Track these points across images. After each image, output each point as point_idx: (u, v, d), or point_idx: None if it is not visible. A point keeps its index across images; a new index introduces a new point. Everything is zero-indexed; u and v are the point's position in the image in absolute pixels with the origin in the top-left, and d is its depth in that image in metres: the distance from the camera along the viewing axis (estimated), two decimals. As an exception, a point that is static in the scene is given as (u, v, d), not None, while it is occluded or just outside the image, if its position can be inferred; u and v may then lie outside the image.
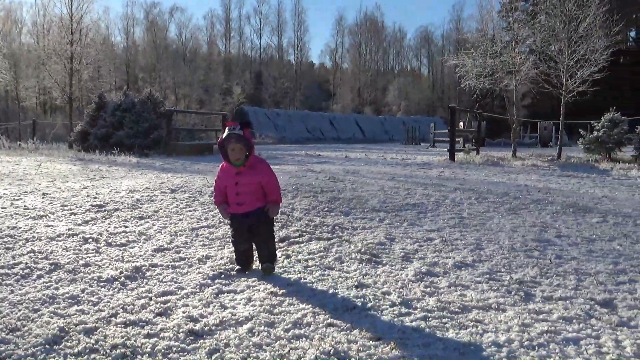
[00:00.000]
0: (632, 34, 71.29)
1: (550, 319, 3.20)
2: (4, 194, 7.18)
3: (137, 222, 5.65)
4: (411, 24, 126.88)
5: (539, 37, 18.35)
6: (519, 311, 3.31)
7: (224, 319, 3.11)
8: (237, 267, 4.09)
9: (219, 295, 3.53)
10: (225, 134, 3.75)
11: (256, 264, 4.16)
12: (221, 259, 4.39)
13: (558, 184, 10.38)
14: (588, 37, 16.94)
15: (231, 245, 4.28)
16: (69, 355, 2.61)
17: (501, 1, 22.61)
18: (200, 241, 4.98)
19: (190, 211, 6.23)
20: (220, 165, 4.01)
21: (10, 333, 2.85)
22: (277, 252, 4.30)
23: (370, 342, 2.83)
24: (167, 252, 4.58)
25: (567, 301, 3.52)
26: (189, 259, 4.38)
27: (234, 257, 4.19)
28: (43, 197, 6.95)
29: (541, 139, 37.19)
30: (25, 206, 6.32)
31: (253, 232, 3.99)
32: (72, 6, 29.46)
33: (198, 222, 5.72)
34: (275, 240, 4.33)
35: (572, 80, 17.12)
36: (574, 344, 2.86)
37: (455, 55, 21.41)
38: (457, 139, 19.37)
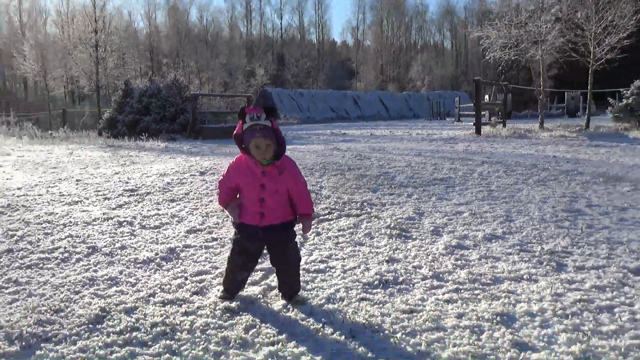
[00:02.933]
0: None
1: (582, 288, 3.19)
2: (40, 181, 7.33)
3: (169, 205, 5.70)
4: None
5: (565, 4, 17.95)
6: (551, 281, 3.30)
7: (257, 295, 3.16)
8: (224, 294, 3.13)
9: (253, 274, 3.54)
10: (246, 125, 2.83)
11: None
12: (253, 238, 4.41)
13: (587, 154, 10.22)
14: (616, 2, 16.52)
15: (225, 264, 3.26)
16: (112, 334, 2.69)
17: (525, -31, 22.05)
18: (231, 221, 5.00)
19: (220, 193, 6.28)
20: (234, 160, 3.03)
21: (55, 314, 2.94)
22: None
23: (404, 314, 2.86)
24: (199, 233, 4.63)
25: (600, 270, 3.50)
26: (221, 239, 4.42)
27: (223, 280, 3.19)
28: (77, 184, 7.07)
29: (568, 109, 36.63)
30: (60, 193, 6.45)
31: (274, 255, 3.09)
32: (94, -6, 29.66)
33: (228, 203, 5.76)
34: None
35: (600, 48, 16.73)
36: (608, 311, 2.86)
37: (479, 27, 21.04)
38: (482, 113, 19.14)
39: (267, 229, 2.94)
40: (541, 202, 5.62)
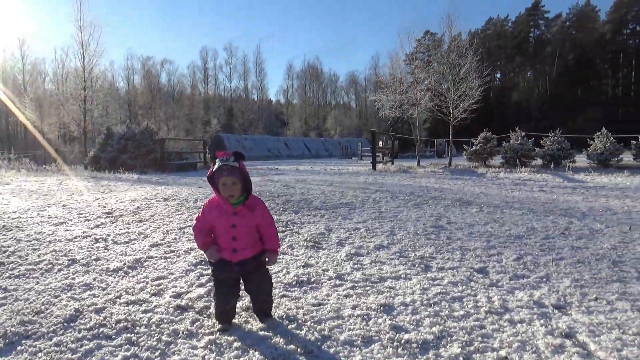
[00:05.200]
0: (498, 75, 74.77)
1: (442, 283, 3.28)
2: (32, 206, 6.84)
3: (137, 225, 5.47)
4: (342, 70, 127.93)
5: (433, 79, 18.83)
6: (420, 279, 3.38)
7: (202, 295, 3.05)
8: (221, 326, 2.57)
9: (200, 277, 3.45)
10: (216, 166, 2.43)
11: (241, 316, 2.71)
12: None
13: (449, 184, 10.62)
14: (467, 78, 17.51)
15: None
16: (82, 330, 2.51)
17: (405, 53, 23.04)
18: (186, 237, 4.84)
19: (178, 215, 6.08)
20: (208, 201, 2.57)
21: (36, 315, 2.72)
22: None
23: (313, 307, 2.84)
24: (160, 246, 4.44)
25: (454, 270, 3.61)
26: (177, 251, 4.26)
27: (214, 313, 2.64)
28: (63, 208, 6.66)
29: (437, 152, 38.10)
30: (49, 215, 6.04)
31: (248, 282, 2.61)
32: (84, 60, 28.41)
33: (185, 222, 5.57)
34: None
35: (457, 110, 17.63)
36: (459, 300, 2.94)
37: (374, 92, 21.71)
38: (377, 154, 19.61)
39: (240, 263, 2.51)
40: (416, 220, 5.76)
